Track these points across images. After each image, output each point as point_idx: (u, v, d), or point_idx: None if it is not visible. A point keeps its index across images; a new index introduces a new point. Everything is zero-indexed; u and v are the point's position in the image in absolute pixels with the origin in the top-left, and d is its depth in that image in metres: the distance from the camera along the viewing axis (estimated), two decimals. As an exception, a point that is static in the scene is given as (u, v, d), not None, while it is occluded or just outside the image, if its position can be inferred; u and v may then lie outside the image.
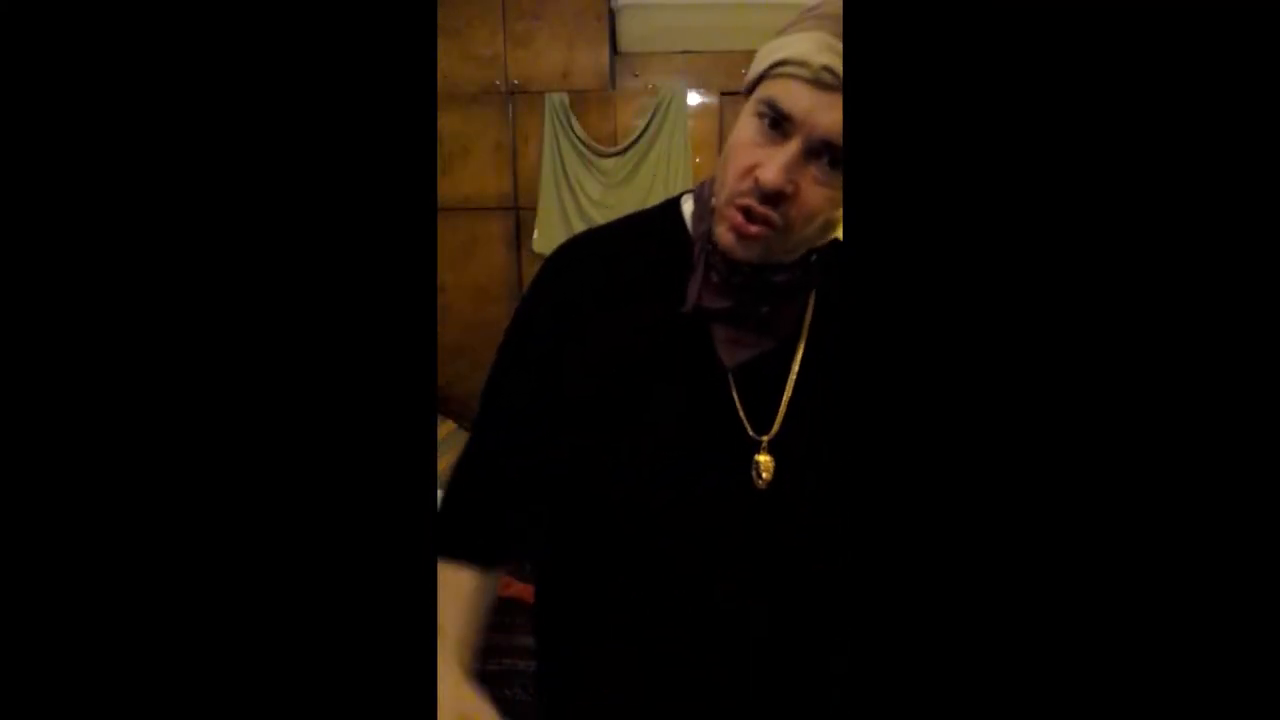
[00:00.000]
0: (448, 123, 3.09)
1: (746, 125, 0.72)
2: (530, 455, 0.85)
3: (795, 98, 0.69)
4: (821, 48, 0.67)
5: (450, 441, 3.00)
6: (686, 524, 0.79)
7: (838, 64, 0.67)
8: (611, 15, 3.12)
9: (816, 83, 0.68)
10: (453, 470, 0.91)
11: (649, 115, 3.08)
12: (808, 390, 0.81)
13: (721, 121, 3.11)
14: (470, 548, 0.86)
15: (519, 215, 3.15)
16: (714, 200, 0.76)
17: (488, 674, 2.18)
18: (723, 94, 3.09)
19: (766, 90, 0.70)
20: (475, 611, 0.85)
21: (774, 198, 0.71)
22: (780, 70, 0.69)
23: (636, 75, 3.15)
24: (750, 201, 0.72)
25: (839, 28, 0.68)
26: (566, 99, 3.06)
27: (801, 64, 0.68)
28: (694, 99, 3.11)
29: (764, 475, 0.79)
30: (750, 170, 0.72)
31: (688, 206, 0.85)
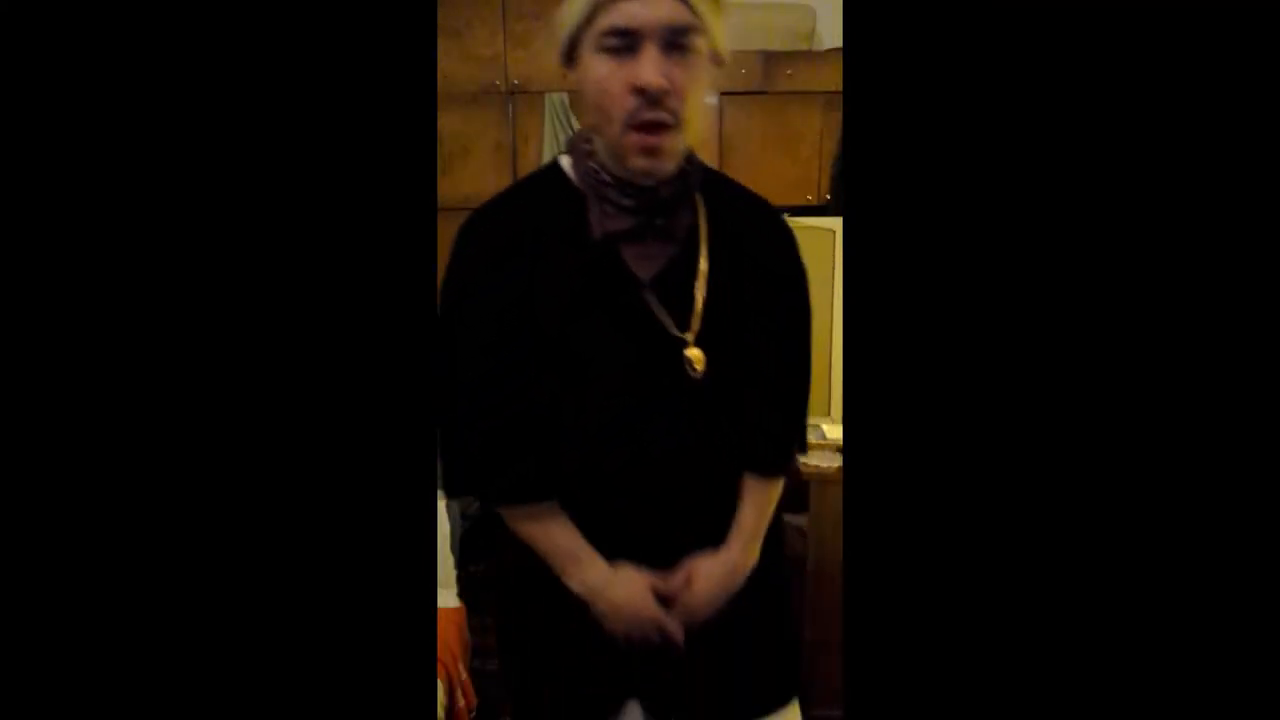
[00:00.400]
0: (448, 123, 3.09)
1: (597, 67, 0.81)
2: (520, 402, 0.92)
3: (629, 13, 0.78)
4: None
5: (450, 441, 2.98)
6: (635, 421, 0.89)
7: None
8: None
9: None
10: (455, 428, 0.97)
11: (649, 115, 3.07)
12: (718, 289, 0.92)
13: (720, 121, 3.10)
14: (538, 489, 0.94)
15: (519, 215, 3.15)
16: (601, 141, 0.86)
17: (487, 673, 2.18)
18: (723, 94, 3.08)
19: (601, 27, 0.79)
20: (561, 516, 0.95)
21: (660, 97, 0.80)
22: (603, 5, 0.78)
23: (636, 75, 3.15)
24: (644, 114, 0.80)
25: None
26: (566, 99, 3.05)
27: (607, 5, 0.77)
28: (694, 99, 3.10)
29: (697, 367, 0.89)
30: (627, 92, 0.80)
31: (565, 162, 0.95)
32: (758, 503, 1.02)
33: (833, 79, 3.04)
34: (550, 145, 3.07)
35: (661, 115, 0.82)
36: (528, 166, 3.11)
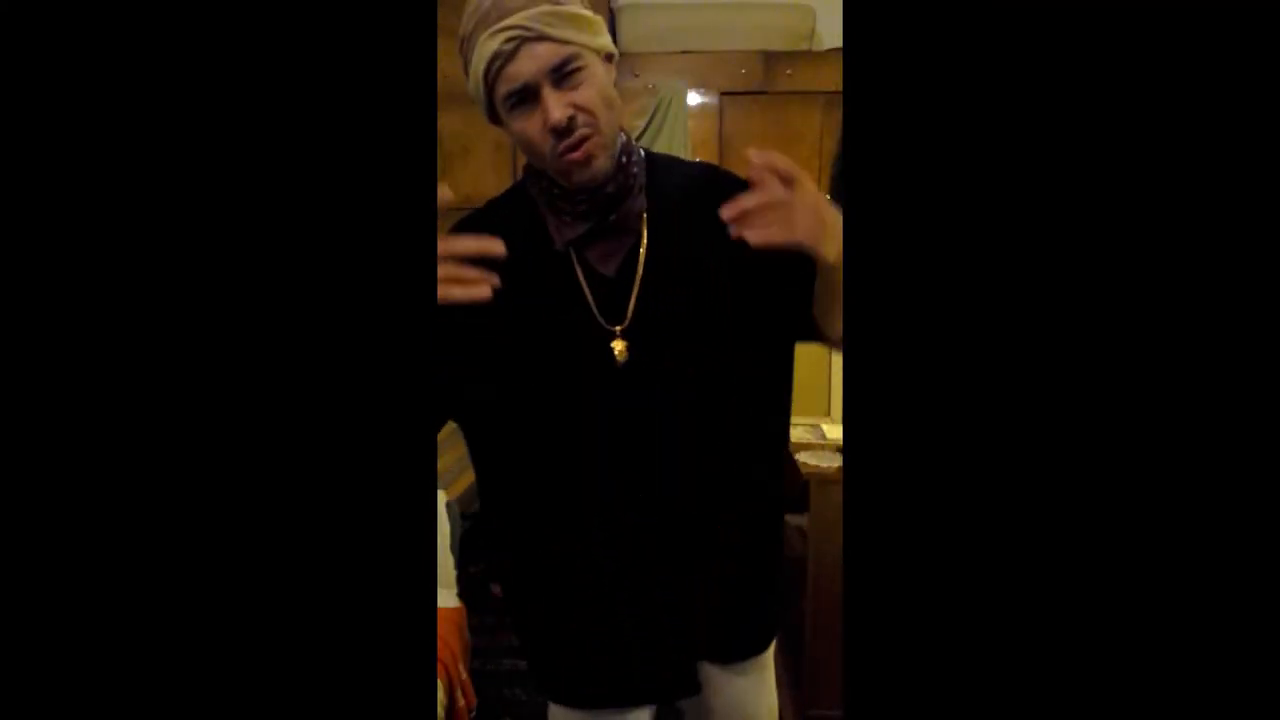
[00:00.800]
0: (447, 123, 3.08)
1: (514, 123, 0.93)
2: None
3: (515, 75, 0.89)
4: (493, 37, 0.89)
5: (450, 441, 2.99)
6: (566, 405, 0.99)
7: (501, 42, 0.88)
8: (611, 15, 3.12)
9: (511, 54, 0.89)
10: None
11: (649, 115, 3.07)
12: (652, 285, 0.99)
13: (721, 121, 3.10)
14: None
15: (519, 215, 3.15)
16: (542, 178, 0.97)
17: (487, 673, 2.18)
18: (723, 94, 3.09)
19: (500, 94, 0.91)
20: None
21: (569, 126, 0.90)
22: (495, 72, 0.90)
23: (636, 75, 3.15)
24: (564, 143, 0.91)
25: (491, 19, 0.90)
26: (566, 98, 3.05)
27: (497, 55, 0.89)
28: (694, 99, 3.10)
29: (619, 356, 0.98)
30: (545, 134, 0.90)
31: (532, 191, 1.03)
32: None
33: (833, 79, 3.04)
34: (550, 145, 3.07)
35: (579, 134, 0.91)
36: (527, 166, 3.11)
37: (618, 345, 0.98)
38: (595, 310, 0.99)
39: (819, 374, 3.21)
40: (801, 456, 1.93)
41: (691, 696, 1.10)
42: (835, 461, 1.89)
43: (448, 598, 1.93)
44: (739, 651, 1.15)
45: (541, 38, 0.89)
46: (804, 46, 3.11)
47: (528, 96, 0.91)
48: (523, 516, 1.06)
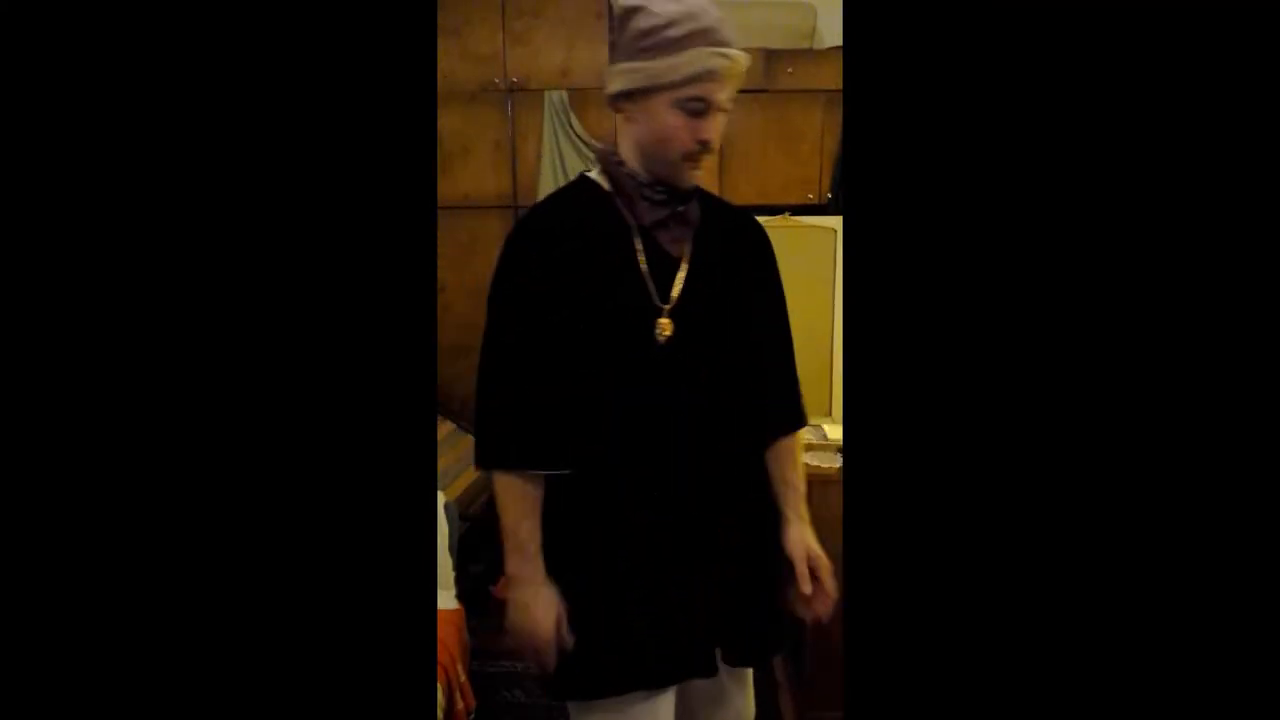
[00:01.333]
0: (447, 121, 3.08)
1: (669, 119, 1.07)
2: (546, 379, 1.11)
3: (710, 91, 1.07)
4: (716, 57, 1.05)
5: (450, 441, 2.99)
6: (615, 369, 1.12)
7: (722, 64, 1.06)
8: (611, 13, 3.12)
9: (720, 75, 1.06)
10: (484, 402, 1.15)
11: (649, 113, 3.06)
12: (697, 272, 1.15)
13: (721, 120, 3.10)
14: (533, 458, 1.12)
15: (518, 214, 3.15)
16: (641, 157, 1.12)
17: (486, 675, 2.17)
18: (723, 92, 3.08)
19: (687, 94, 1.05)
20: (537, 515, 1.14)
21: (710, 147, 1.10)
22: (697, 79, 1.05)
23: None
24: (700, 155, 1.10)
25: (714, 37, 1.06)
26: (566, 97, 3.05)
27: (712, 71, 1.05)
28: (694, 97, 3.10)
29: (664, 333, 1.12)
30: (693, 141, 1.08)
31: (594, 173, 1.19)
32: (796, 460, 1.27)
33: (834, 77, 3.03)
34: (549, 143, 3.06)
35: (707, 154, 1.11)
36: (527, 165, 3.11)
37: (663, 321, 1.13)
38: (652, 289, 1.14)
39: (820, 374, 3.21)
40: (802, 457, 1.93)
41: (710, 676, 1.18)
42: (835, 462, 1.89)
43: (446, 599, 1.92)
44: (755, 652, 1.26)
45: (738, 76, 1.09)
46: (805, 45, 3.11)
47: (702, 110, 1.07)
48: (562, 488, 1.15)
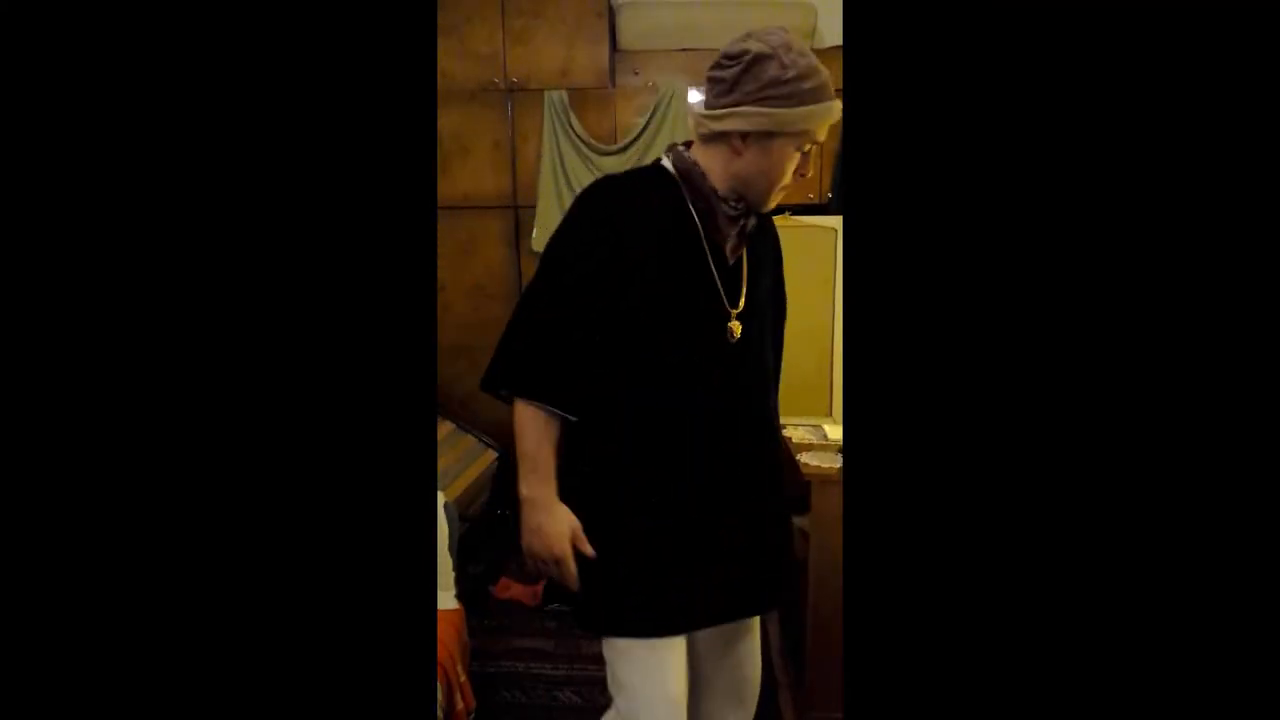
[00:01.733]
0: (447, 121, 3.09)
1: (786, 154, 1.21)
2: (584, 327, 1.22)
3: (818, 136, 1.23)
4: (827, 109, 1.21)
5: (450, 441, 2.99)
6: (691, 366, 1.25)
7: (837, 115, 1.21)
8: (611, 12, 3.11)
9: (822, 120, 1.21)
10: (516, 330, 1.25)
11: (649, 113, 3.07)
12: (754, 279, 1.31)
13: (721, 120, 3.10)
14: (552, 393, 1.23)
15: (518, 214, 3.15)
16: (759, 191, 1.24)
17: (486, 676, 2.17)
18: (723, 92, 3.08)
19: (806, 137, 1.21)
20: (554, 445, 1.25)
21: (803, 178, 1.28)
22: (807, 123, 1.20)
23: (636, 73, 3.14)
24: (789, 187, 1.26)
25: (830, 92, 1.21)
26: (566, 97, 3.05)
27: (819, 116, 1.20)
28: (694, 96, 3.10)
29: (735, 334, 1.27)
30: (794, 174, 1.24)
31: (666, 161, 1.29)
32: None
33: (834, 77, 3.03)
34: (549, 143, 3.07)
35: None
36: (526, 164, 3.11)
37: (734, 325, 1.27)
38: (721, 289, 1.27)
39: (820, 374, 3.21)
40: (802, 457, 1.92)
41: (735, 620, 1.37)
42: (836, 462, 1.89)
43: (446, 599, 1.92)
44: (767, 601, 1.43)
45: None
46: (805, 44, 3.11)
47: (809, 151, 1.23)
48: (625, 452, 1.26)
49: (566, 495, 1.26)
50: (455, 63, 3.07)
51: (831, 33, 3.24)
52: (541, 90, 3.06)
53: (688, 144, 1.29)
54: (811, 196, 3.16)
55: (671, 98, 3.07)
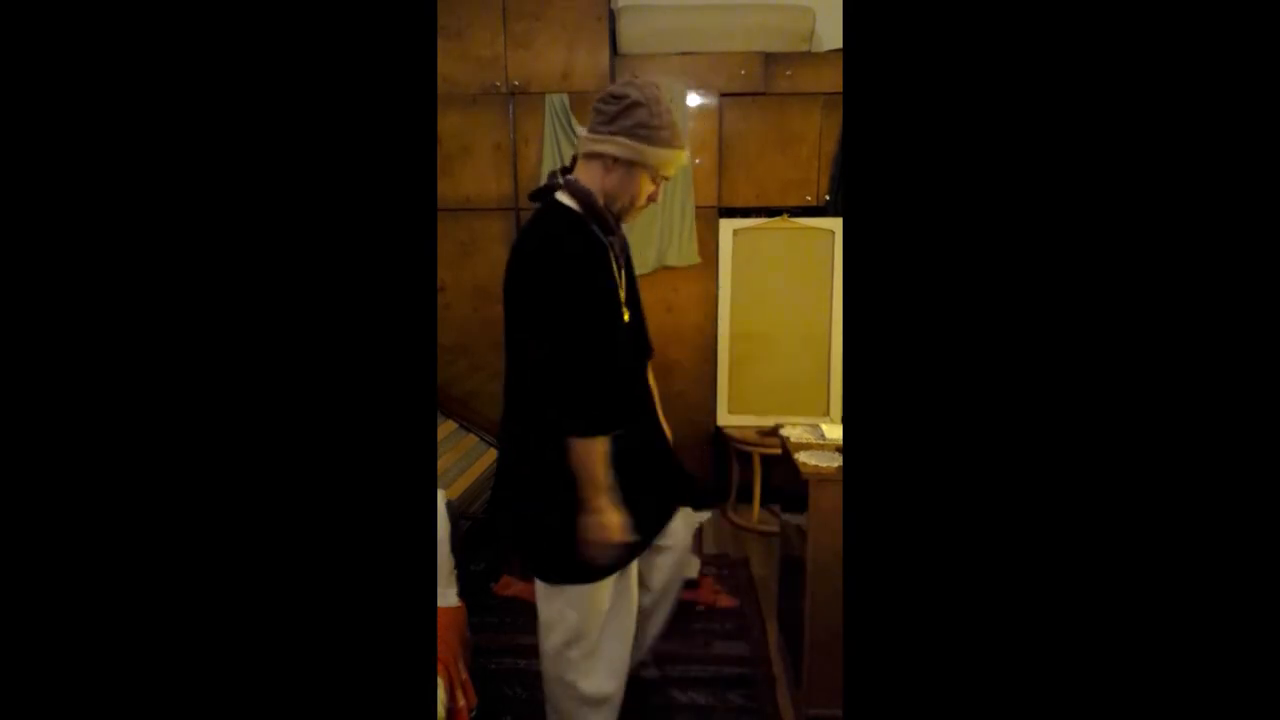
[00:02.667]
0: (448, 124, 3.09)
1: (645, 184, 1.55)
2: (609, 360, 1.53)
3: (671, 172, 1.57)
4: (680, 153, 1.54)
5: (450, 441, 2.99)
6: (635, 363, 1.69)
7: (686, 160, 1.81)
8: (611, 16, 3.12)
9: (675, 163, 1.56)
10: (569, 377, 1.50)
11: (649, 116, 3.07)
12: (628, 279, 1.67)
13: (721, 122, 3.11)
14: (609, 425, 1.52)
15: (519, 216, 3.16)
16: (617, 208, 1.58)
17: (487, 673, 2.18)
18: (722, 95, 3.09)
19: (664, 173, 1.55)
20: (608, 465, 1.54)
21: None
22: (666, 164, 1.53)
23: (636, 76, 3.15)
24: (646, 207, 1.61)
25: (683, 140, 1.56)
26: (566, 100, 3.06)
27: (674, 162, 1.54)
28: (694, 100, 3.11)
29: (625, 318, 1.62)
30: (650, 199, 1.58)
31: (563, 196, 1.57)
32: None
33: (832, 80, 3.04)
34: (550, 145, 3.07)
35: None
36: (528, 167, 3.11)
37: (627, 317, 1.62)
38: (621, 283, 1.62)
39: (819, 374, 3.22)
40: (800, 456, 1.93)
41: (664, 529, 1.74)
42: (835, 461, 1.90)
43: (448, 597, 1.93)
44: (700, 503, 1.83)
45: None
46: (803, 48, 3.12)
47: (655, 179, 1.55)
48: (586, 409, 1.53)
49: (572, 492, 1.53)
50: (457, 66, 3.07)
51: (829, 36, 3.25)
52: (542, 94, 3.07)
53: (565, 170, 1.59)
54: (809, 199, 3.17)
55: (671, 100, 3.08)
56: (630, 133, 1.47)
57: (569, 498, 1.51)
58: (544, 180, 1.62)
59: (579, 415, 1.48)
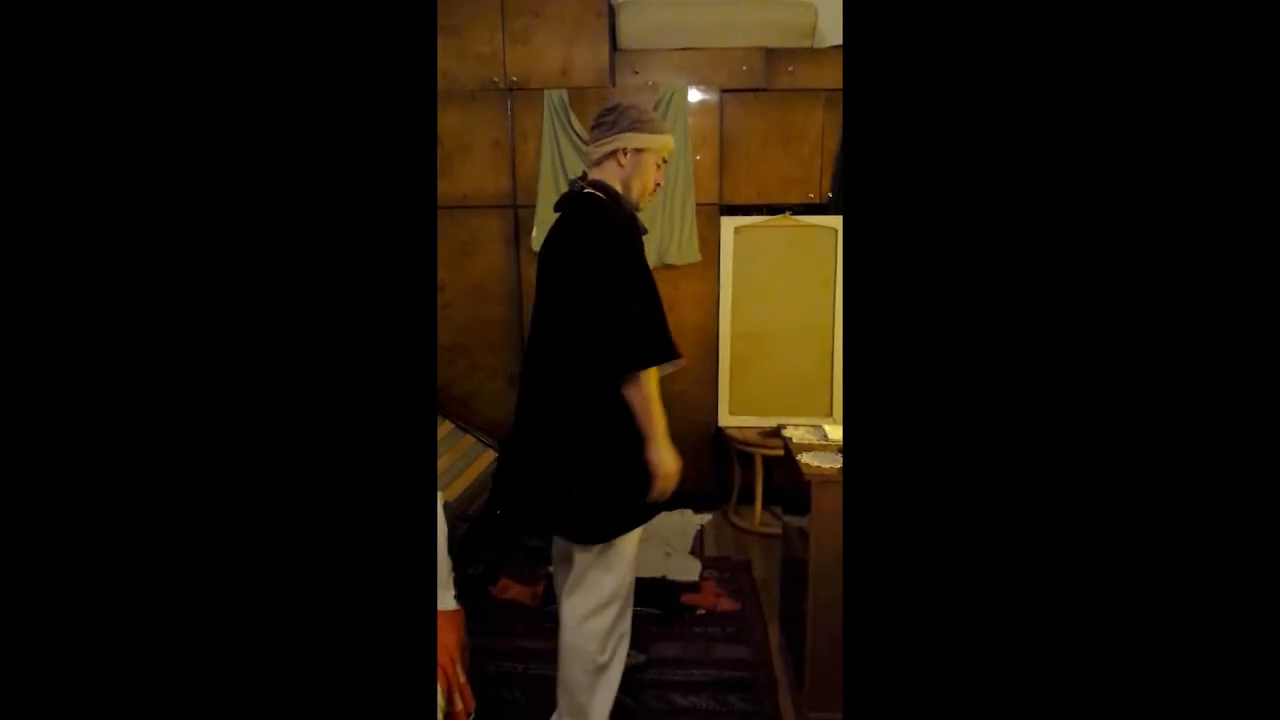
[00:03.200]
0: (447, 121, 3.08)
1: (654, 169, 1.83)
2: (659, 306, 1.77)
3: (666, 154, 1.85)
4: (668, 136, 1.84)
5: (450, 441, 2.98)
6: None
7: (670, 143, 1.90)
8: (611, 12, 3.11)
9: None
10: (644, 312, 1.70)
11: (649, 113, 3.07)
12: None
13: (722, 118, 3.10)
14: (676, 351, 1.74)
15: (517, 213, 3.15)
16: (635, 194, 1.83)
17: (486, 676, 2.17)
18: (724, 91, 3.08)
19: (664, 155, 1.83)
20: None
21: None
22: (665, 148, 1.83)
23: (636, 72, 3.14)
24: (655, 191, 1.89)
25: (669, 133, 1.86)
26: (566, 96, 3.05)
27: (667, 147, 1.84)
28: (694, 95, 3.09)
29: None
30: (657, 183, 1.86)
31: (592, 194, 1.83)
32: None
33: (834, 77, 3.03)
34: (549, 142, 3.06)
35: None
36: (526, 163, 3.10)
37: None
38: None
39: (822, 374, 3.22)
40: (803, 457, 1.92)
41: None
42: (836, 462, 1.88)
43: (446, 600, 1.92)
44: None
45: None
46: (805, 44, 3.11)
47: (658, 163, 1.84)
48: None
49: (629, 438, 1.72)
50: (455, 62, 3.06)
51: (832, 31, 3.23)
52: (541, 90, 3.06)
53: (582, 177, 1.83)
54: (811, 196, 3.16)
55: (671, 96, 3.07)
56: (632, 127, 1.78)
57: (625, 444, 1.71)
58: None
59: (653, 344, 1.69)
